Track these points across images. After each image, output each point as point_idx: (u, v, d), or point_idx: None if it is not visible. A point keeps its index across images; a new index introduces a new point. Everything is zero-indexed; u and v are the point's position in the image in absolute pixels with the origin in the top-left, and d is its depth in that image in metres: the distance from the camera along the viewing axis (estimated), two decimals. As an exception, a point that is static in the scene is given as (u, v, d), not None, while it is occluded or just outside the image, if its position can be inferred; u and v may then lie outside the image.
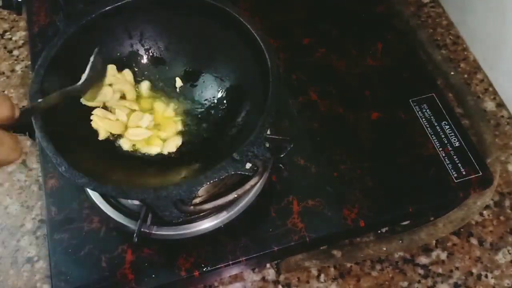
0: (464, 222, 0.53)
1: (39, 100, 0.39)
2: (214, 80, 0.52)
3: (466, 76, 0.66)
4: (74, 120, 0.47)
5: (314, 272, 0.52)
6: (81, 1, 0.48)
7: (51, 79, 0.44)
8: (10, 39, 0.71)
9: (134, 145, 0.48)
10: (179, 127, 0.50)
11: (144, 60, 0.53)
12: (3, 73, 0.68)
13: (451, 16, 0.72)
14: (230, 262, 0.47)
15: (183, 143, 0.49)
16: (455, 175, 0.52)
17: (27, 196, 0.58)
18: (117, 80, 0.50)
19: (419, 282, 0.51)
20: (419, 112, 0.56)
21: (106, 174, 0.42)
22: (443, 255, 0.53)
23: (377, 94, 0.57)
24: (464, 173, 0.52)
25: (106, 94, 0.48)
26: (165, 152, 0.48)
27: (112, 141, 0.48)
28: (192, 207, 0.38)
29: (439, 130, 0.55)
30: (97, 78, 0.47)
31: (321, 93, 0.57)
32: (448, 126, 0.55)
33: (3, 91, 0.66)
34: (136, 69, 0.52)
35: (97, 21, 0.48)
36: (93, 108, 0.48)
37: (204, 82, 0.53)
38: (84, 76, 0.44)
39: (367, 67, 0.60)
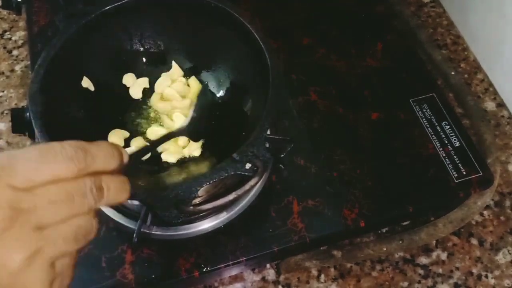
0: (464, 222, 0.53)
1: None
2: (214, 80, 0.52)
3: (466, 76, 0.66)
4: (75, 120, 0.47)
5: (314, 272, 0.52)
6: (81, 1, 0.48)
7: (51, 79, 0.44)
8: (10, 39, 0.71)
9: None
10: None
11: (144, 60, 0.53)
12: (3, 73, 0.68)
13: (451, 16, 0.72)
14: (230, 262, 0.47)
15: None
16: (456, 175, 0.52)
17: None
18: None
19: (419, 282, 0.51)
20: (419, 112, 0.56)
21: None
22: (443, 255, 0.53)
23: (377, 94, 0.57)
24: (464, 173, 0.52)
25: None
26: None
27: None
28: (192, 207, 0.38)
29: (439, 130, 0.55)
30: None
31: (321, 93, 0.57)
32: (448, 126, 0.55)
33: (3, 91, 0.66)
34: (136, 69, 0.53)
35: (97, 21, 0.48)
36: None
37: (204, 82, 0.53)
38: None
39: (367, 67, 0.60)
